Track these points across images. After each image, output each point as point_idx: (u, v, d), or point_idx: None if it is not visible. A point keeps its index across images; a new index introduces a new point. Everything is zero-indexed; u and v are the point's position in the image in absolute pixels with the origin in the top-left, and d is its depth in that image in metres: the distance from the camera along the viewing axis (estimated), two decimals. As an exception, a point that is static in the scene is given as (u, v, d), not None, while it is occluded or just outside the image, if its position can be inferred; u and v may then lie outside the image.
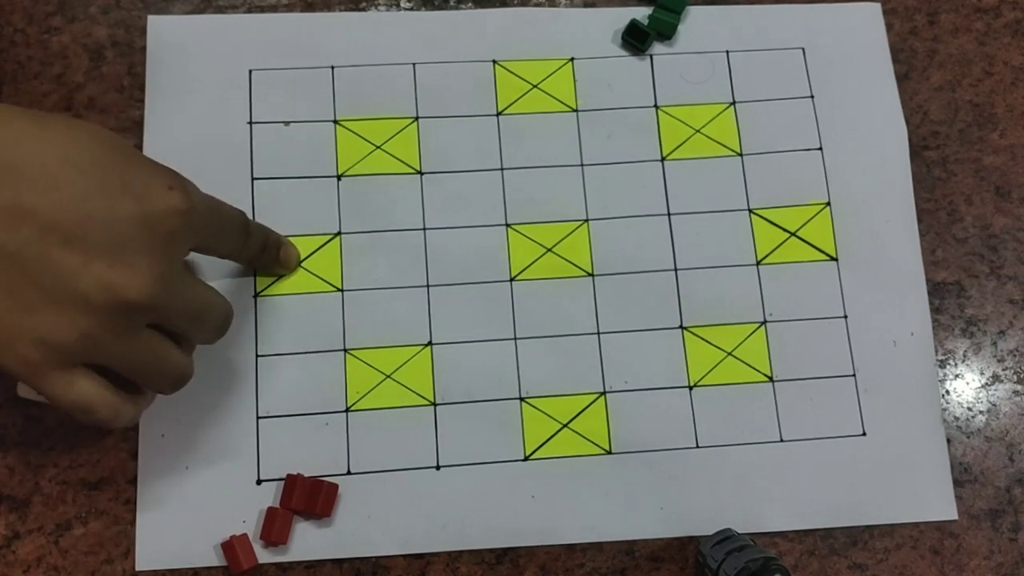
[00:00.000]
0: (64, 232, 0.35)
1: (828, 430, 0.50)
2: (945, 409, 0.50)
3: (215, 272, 0.49)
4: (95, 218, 0.36)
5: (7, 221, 0.35)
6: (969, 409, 0.51)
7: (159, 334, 0.40)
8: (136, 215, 0.37)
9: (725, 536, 0.46)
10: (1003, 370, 0.51)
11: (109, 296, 0.36)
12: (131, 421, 0.41)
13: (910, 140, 0.54)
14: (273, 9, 0.54)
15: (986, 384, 0.51)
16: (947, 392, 0.51)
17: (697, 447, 0.49)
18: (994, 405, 0.51)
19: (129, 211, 0.36)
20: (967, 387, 0.51)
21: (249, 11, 0.54)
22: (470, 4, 0.55)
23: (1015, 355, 0.51)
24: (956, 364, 0.51)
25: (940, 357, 0.51)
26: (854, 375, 0.50)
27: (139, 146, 0.51)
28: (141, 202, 0.37)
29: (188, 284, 0.40)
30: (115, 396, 0.39)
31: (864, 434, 0.50)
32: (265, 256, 0.48)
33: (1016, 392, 0.51)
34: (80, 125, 0.38)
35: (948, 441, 0.50)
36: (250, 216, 0.50)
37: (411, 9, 0.54)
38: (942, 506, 0.49)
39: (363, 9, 0.54)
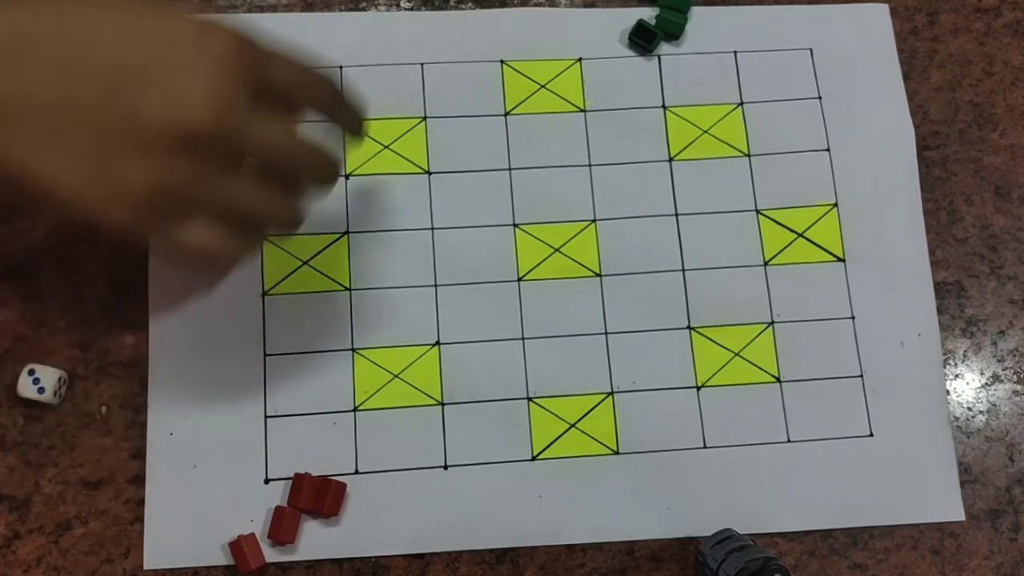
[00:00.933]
0: (120, 76, 0.37)
1: (835, 431, 0.50)
2: (945, 409, 0.51)
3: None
4: (151, 56, 0.37)
5: (65, 77, 0.37)
6: (969, 409, 0.51)
7: (247, 178, 0.40)
8: (186, 47, 0.38)
9: (725, 536, 0.46)
10: (1003, 370, 0.51)
11: (174, 129, 0.37)
12: (251, 257, 0.42)
13: (911, 140, 0.54)
14: (273, 9, 0.54)
15: (986, 384, 0.51)
16: (947, 392, 0.51)
17: (705, 447, 0.49)
18: (994, 405, 0.51)
19: (179, 44, 0.38)
20: (967, 387, 0.51)
21: (249, 11, 0.53)
22: (470, 4, 0.55)
23: (1015, 355, 0.52)
24: (956, 364, 0.51)
25: (942, 360, 0.51)
26: (861, 376, 0.50)
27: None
28: (188, 34, 0.38)
29: (264, 118, 0.39)
30: (227, 236, 0.40)
31: (871, 435, 0.50)
32: (354, 127, 0.46)
33: (1016, 392, 0.51)
34: None
35: (954, 454, 0.50)
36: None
37: (411, 9, 0.54)
38: (949, 507, 0.49)
39: (363, 9, 0.54)
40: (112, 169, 0.38)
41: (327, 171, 0.43)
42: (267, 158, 0.41)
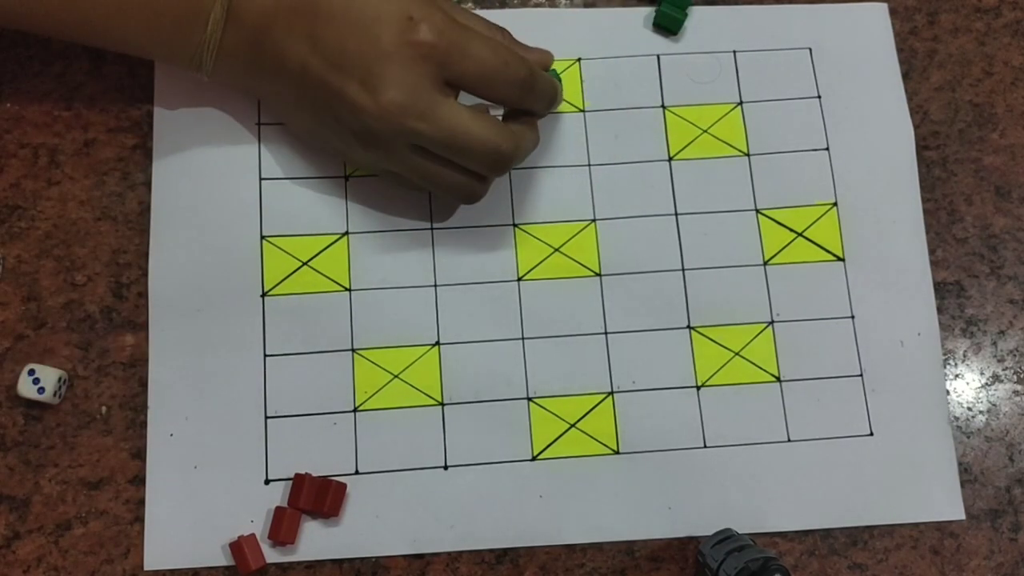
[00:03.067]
0: (340, 57, 0.43)
1: (835, 430, 0.50)
2: (945, 409, 0.51)
3: (219, 272, 0.49)
4: (352, 49, 0.43)
5: (308, 47, 0.44)
6: (969, 409, 0.51)
7: (429, 156, 0.45)
8: (392, 36, 0.43)
9: (725, 536, 0.46)
10: (1003, 370, 0.51)
11: (356, 116, 0.44)
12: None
13: (911, 140, 0.54)
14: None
15: (986, 384, 0.51)
16: (947, 392, 0.51)
17: (705, 447, 0.49)
18: (994, 405, 0.51)
19: (377, 44, 0.43)
20: (967, 387, 0.51)
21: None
22: (470, 4, 0.55)
23: (1015, 355, 0.52)
24: (956, 364, 0.51)
25: (941, 359, 0.51)
26: (861, 375, 0.50)
27: (143, 144, 0.51)
28: (386, 35, 0.43)
29: (444, 113, 0.44)
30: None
31: (871, 434, 0.50)
32: (543, 109, 0.49)
33: (1016, 392, 0.51)
34: None
35: (954, 453, 0.50)
36: (258, 218, 0.50)
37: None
38: (949, 506, 0.49)
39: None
40: (323, 130, 0.47)
41: (497, 161, 0.46)
42: (442, 150, 0.45)
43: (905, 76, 0.55)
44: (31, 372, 0.47)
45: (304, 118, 0.48)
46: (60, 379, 0.47)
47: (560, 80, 0.51)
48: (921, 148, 0.54)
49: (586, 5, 0.55)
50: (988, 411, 0.51)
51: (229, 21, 0.44)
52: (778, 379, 0.50)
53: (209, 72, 0.46)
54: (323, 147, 0.50)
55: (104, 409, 0.48)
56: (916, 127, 0.54)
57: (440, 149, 0.45)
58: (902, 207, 0.53)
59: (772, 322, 0.51)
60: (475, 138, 0.44)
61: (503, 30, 0.48)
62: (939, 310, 0.52)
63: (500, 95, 0.46)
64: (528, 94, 0.46)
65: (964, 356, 0.51)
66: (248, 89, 0.50)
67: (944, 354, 0.51)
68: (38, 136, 0.51)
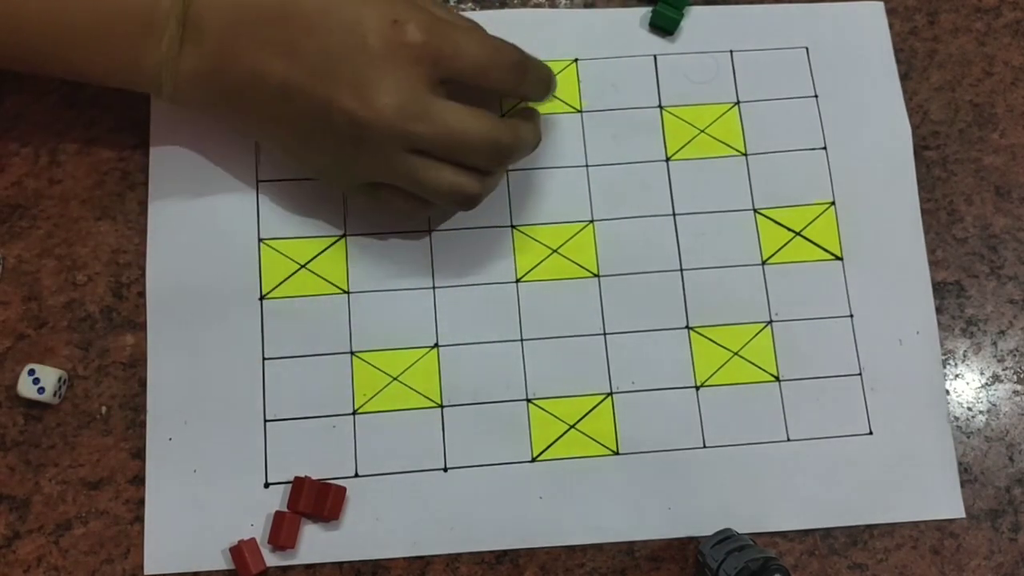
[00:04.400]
0: (323, 64, 0.42)
1: (835, 429, 0.50)
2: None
3: (217, 276, 0.49)
4: (337, 56, 0.42)
5: (286, 59, 0.42)
6: (969, 409, 0.51)
7: (428, 158, 0.44)
8: (379, 40, 0.42)
9: (725, 536, 0.46)
10: (1003, 370, 0.51)
11: (352, 124, 0.42)
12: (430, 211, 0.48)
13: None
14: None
15: (986, 384, 0.51)
16: (947, 392, 0.51)
17: (704, 447, 0.49)
18: (994, 405, 0.51)
19: (364, 49, 0.42)
20: (967, 387, 0.51)
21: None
22: (470, 5, 0.55)
23: (1015, 355, 0.52)
24: (956, 364, 0.51)
25: (940, 357, 0.51)
26: (860, 374, 0.50)
27: (144, 144, 0.51)
28: (373, 39, 0.42)
29: (439, 111, 0.43)
30: (418, 205, 0.46)
31: (871, 433, 0.50)
32: (541, 94, 0.48)
33: (1016, 392, 0.51)
34: None
35: (954, 451, 0.50)
36: (255, 221, 0.50)
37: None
38: (949, 504, 0.49)
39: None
40: (310, 145, 0.45)
41: (498, 154, 0.45)
42: (440, 149, 0.44)
43: (905, 76, 0.55)
44: (31, 372, 0.47)
45: (286, 138, 0.46)
46: (60, 379, 0.47)
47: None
48: (921, 148, 0.54)
49: (586, 5, 0.55)
50: (988, 411, 0.51)
51: (187, 37, 0.42)
52: (777, 379, 0.50)
53: (169, 95, 0.44)
54: (310, 168, 0.48)
55: (104, 409, 0.48)
56: (916, 127, 0.54)
57: (440, 149, 0.44)
58: (900, 205, 0.53)
59: (771, 322, 0.51)
60: (475, 132, 0.44)
61: (477, 24, 0.47)
62: (939, 310, 0.52)
63: (496, 82, 0.45)
64: (524, 77, 0.46)
65: (964, 356, 0.51)
66: (220, 114, 0.47)
67: (944, 354, 0.51)
68: (39, 135, 0.51)
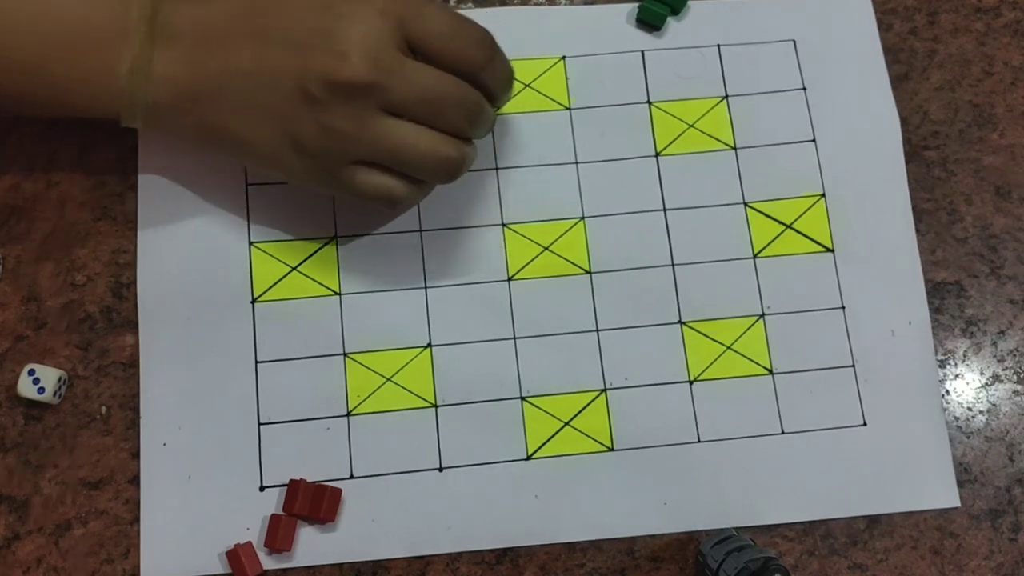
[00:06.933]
0: (297, 38, 0.42)
1: (829, 421, 0.50)
2: (945, 409, 0.50)
3: (208, 280, 0.50)
4: (306, 28, 0.42)
5: (257, 44, 0.42)
6: (969, 409, 0.51)
7: (405, 122, 0.43)
8: (335, 9, 0.42)
9: (725, 536, 0.46)
10: (1003, 370, 0.51)
11: (328, 83, 0.41)
12: (413, 203, 0.47)
13: (910, 140, 0.54)
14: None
15: (986, 384, 0.51)
16: (947, 392, 0.51)
17: (699, 441, 0.49)
18: (994, 405, 0.51)
19: (329, 7, 0.42)
20: (967, 387, 0.51)
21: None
22: (469, 4, 0.55)
23: (1015, 355, 0.51)
24: (956, 364, 0.51)
25: (940, 357, 0.51)
26: (853, 366, 0.50)
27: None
28: (338, 2, 0.42)
29: (412, 69, 0.42)
30: (394, 181, 0.44)
31: (865, 424, 0.50)
32: (502, 86, 0.47)
33: (1016, 392, 0.51)
34: None
35: (948, 441, 0.50)
36: (246, 225, 0.50)
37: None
38: (944, 494, 0.49)
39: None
40: (291, 122, 0.43)
41: (481, 113, 0.44)
42: (416, 106, 0.43)
43: (905, 76, 0.55)
44: (31, 372, 0.47)
45: (263, 139, 0.44)
46: (60, 379, 0.47)
47: None
48: (921, 148, 0.54)
49: (585, 3, 0.55)
50: (988, 411, 0.51)
51: (159, 42, 0.43)
52: (770, 372, 0.50)
53: (144, 106, 0.44)
54: (285, 170, 0.45)
55: (104, 409, 0.48)
56: (916, 127, 0.54)
57: (415, 105, 0.43)
58: (890, 196, 0.53)
59: (763, 315, 0.51)
60: (450, 88, 0.43)
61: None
62: (939, 310, 0.52)
63: (461, 55, 0.43)
64: (491, 55, 0.44)
65: (964, 356, 0.51)
66: (193, 130, 0.45)
67: (944, 354, 0.51)
68: (38, 137, 0.51)
